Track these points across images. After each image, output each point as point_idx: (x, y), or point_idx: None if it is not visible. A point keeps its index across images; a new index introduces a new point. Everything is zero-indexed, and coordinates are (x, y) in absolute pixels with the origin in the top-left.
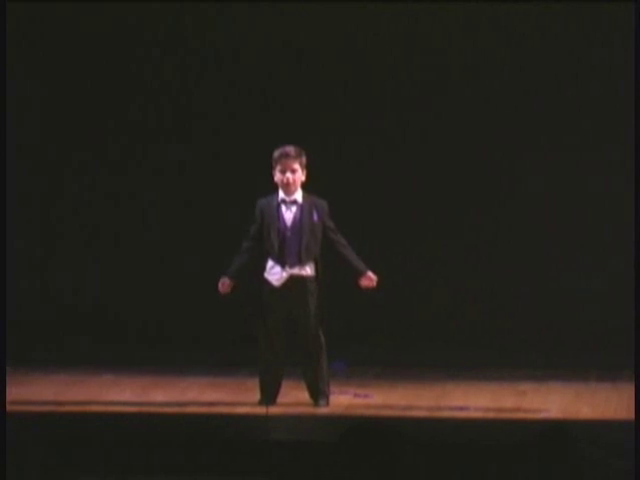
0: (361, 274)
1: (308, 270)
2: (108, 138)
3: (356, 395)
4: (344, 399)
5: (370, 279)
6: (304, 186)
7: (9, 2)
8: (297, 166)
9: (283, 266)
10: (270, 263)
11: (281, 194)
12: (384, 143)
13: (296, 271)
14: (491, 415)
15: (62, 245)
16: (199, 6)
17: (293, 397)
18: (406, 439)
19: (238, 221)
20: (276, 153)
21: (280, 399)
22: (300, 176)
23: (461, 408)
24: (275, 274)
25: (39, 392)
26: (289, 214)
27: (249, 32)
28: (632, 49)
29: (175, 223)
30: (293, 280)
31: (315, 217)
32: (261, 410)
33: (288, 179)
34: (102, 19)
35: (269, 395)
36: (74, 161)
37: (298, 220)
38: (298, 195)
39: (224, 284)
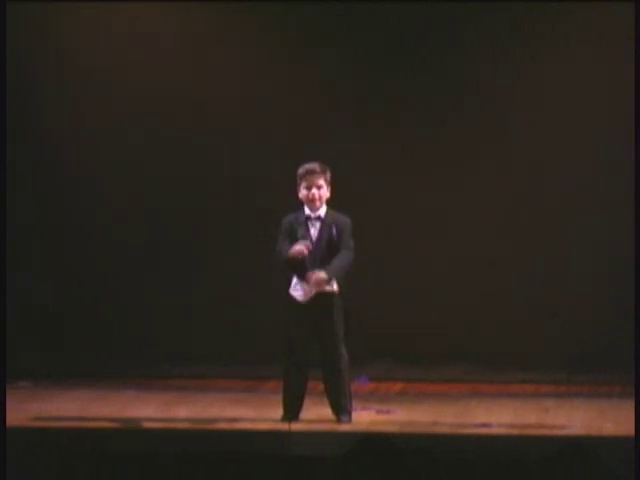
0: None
1: (332, 286)
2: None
3: (379, 411)
4: (367, 415)
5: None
6: (329, 203)
7: None
8: (322, 182)
9: (308, 283)
10: (295, 279)
11: (307, 210)
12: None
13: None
14: (514, 431)
15: (84, 262)
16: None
17: (315, 413)
18: (429, 456)
19: (265, 240)
20: (301, 170)
21: (303, 415)
22: (325, 192)
23: (484, 425)
24: (300, 290)
25: (63, 408)
26: (313, 231)
27: (263, 47)
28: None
29: (199, 240)
30: (317, 296)
31: (334, 232)
32: (284, 426)
33: (314, 195)
34: None
35: (292, 411)
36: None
37: (321, 237)
38: (322, 211)
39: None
